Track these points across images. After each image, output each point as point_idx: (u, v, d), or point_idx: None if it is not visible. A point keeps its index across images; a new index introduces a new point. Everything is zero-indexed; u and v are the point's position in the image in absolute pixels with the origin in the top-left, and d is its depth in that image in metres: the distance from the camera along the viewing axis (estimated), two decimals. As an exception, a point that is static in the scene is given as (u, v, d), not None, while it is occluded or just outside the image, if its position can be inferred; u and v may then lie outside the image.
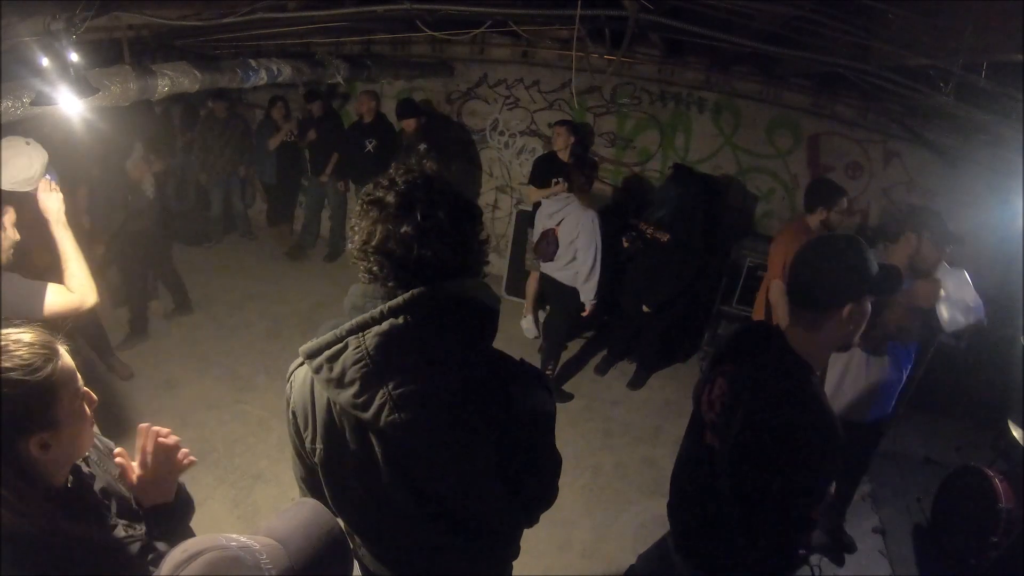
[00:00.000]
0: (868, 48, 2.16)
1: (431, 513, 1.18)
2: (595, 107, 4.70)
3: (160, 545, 1.14)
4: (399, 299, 1.00)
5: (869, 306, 1.37)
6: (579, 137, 4.38)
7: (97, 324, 3.62)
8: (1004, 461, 2.97)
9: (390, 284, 1.03)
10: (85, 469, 1.11)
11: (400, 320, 0.99)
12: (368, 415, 1.02)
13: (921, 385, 3.19)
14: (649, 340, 4.12)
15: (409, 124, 4.63)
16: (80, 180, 3.52)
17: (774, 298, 3.18)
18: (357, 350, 1.00)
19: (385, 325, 0.99)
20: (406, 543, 1.26)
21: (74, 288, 1.87)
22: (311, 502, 0.92)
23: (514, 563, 1.49)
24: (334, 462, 1.16)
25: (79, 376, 1.05)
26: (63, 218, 1.90)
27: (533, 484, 1.26)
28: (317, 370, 1.04)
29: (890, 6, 1.84)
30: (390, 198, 1.00)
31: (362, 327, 1.01)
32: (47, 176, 1.96)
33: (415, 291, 1.00)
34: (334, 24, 3.23)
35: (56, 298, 1.81)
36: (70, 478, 1.06)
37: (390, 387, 1.01)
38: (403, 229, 0.99)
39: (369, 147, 4.91)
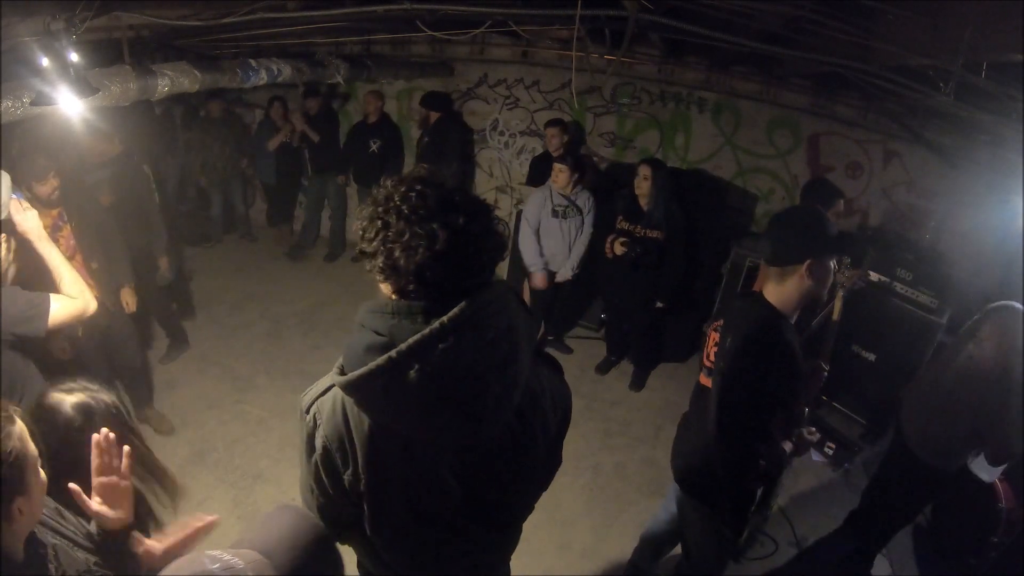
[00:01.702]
0: (868, 48, 2.16)
1: (475, 518, 1.18)
2: (595, 107, 4.70)
3: None
4: (457, 311, 0.92)
5: (831, 265, 1.65)
6: (572, 136, 4.39)
7: (142, 371, 3.40)
8: (1004, 461, 2.96)
9: (435, 295, 0.95)
10: (38, 537, 1.07)
11: (465, 333, 0.93)
12: (437, 436, 0.99)
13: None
14: (646, 339, 4.13)
15: (423, 113, 4.79)
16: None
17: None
18: (419, 371, 0.92)
19: (451, 340, 0.92)
20: (444, 550, 1.25)
21: (75, 294, 1.84)
22: (292, 508, 0.90)
23: (514, 563, 1.50)
24: (379, 488, 1.11)
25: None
26: (44, 233, 1.87)
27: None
28: (369, 397, 0.97)
29: (890, 6, 1.84)
30: (425, 211, 0.93)
31: (426, 344, 0.92)
32: (15, 196, 1.90)
33: (475, 299, 0.94)
34: (334, 24, 3.23)
35: (60, 307, 1.79)
36: (26, 549, 1.02)
37: (460, 401, 0.96)
38: (445, 236, 0.92)
39: (373, 147, 4.93)
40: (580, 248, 3.92)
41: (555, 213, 3.83)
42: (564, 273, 3.96)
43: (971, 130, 3.21)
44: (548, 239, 3.90)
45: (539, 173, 4.22)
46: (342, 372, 0.99)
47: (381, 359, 0.92)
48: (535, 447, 1.14)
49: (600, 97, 4.62)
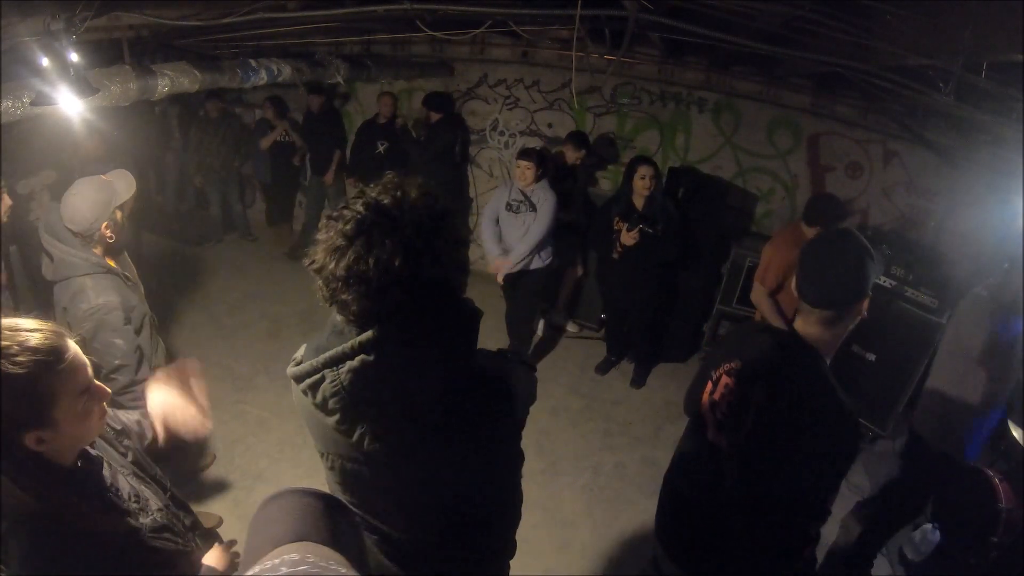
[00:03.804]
0: (868, 48, 2.16)
1: (430, 515, 1.20)
2: (595, 107, 4.70)
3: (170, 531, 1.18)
4: (369, 334, 0.97)
5: None
6: (588, 149, 4.35)
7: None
8: (1004, 461, 2.96)
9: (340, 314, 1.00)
10: (93, 452, 1.13)
11: (371, 356, 0.97)
12: (352, 441, 1.03)
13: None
14: (646, 337, 4.13)
15: (423, 113, 4.77)
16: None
17: (755, 299, 3.22)
18: (333, 384, 0.99)
19: (357, 361, 0.97)
20: (411, 543, 1.27)
21: None
22: (287, 492, 0.87)
23: (514, 563, 1.49)
24: (337, 465, 1.17)
25: (87, 373, 1.04)
26: None
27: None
28: (304, 393, 1.04)
29: (890, 6, 1.84)
30: (342, 225, 0.94)
31: (336, 361, 0.99)
32: None
33: (385, 326, 0.97)
34: (334, 24, 3.23)
35: None
36: (79, 460, 1.08)
37: (368, 418, 1.01)
38: (334, 268, 0.93)
39: (380, 148, 4.93)
40: (529, 241, 3.68)
41: (509, 207, 3.75)
42: (512, 262, 3.78)
43: (971, 130, 3.21)
44: (506, 232, 3.83)
45: None
46: (298, 363, 1.07)
47: (305, 364, 1.02)
48: (475, 458, 1.14)
49: (600, 97, 4.62)
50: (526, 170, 3.62)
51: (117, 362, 2.00)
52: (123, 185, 2.04)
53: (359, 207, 0.95)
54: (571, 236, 4.20)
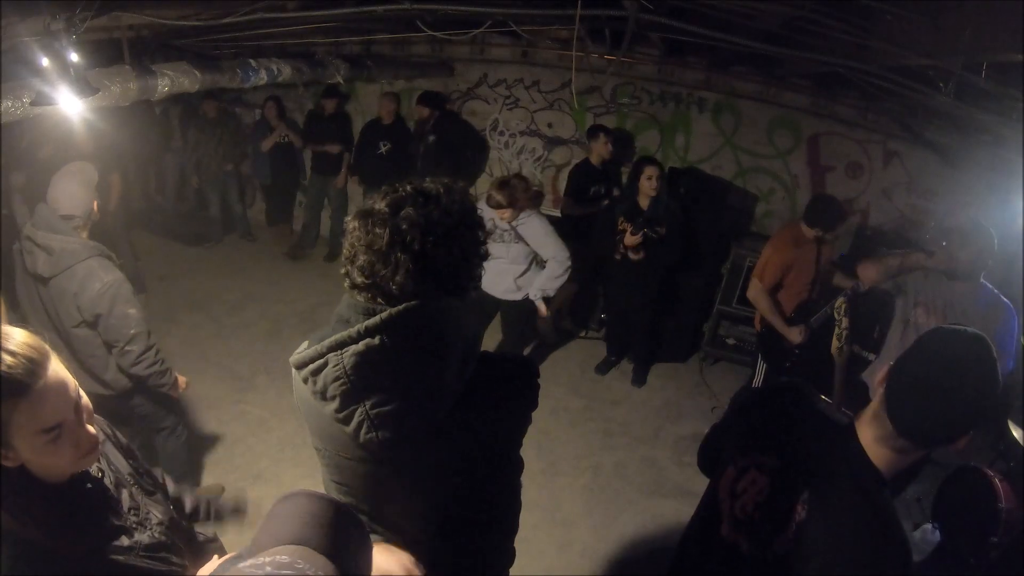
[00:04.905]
0: (868, 48, 2.16)
1: (423, 516, 1.20)
2: (595, 107, 4.70)
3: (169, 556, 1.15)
4: (376, 319, 0.99)
5: None
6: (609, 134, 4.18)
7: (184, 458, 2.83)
8: (1004, 461, 2.97)
9: (368, 296, 1.04)
10: (93, 467, 1.09)
11: (376, 341, 0.98)
12: (349, 430, 1.04)
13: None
14: (646, 337, 4.13)
15: (423, 112, 4.74)
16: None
17: (752, 296, 3.22)
18: (336, 368, 1.00)
19: (361, 345, 0.99)
20: (404, 546, 1.26)
21: None
22: (297, 493, 0.86)
23: (514, 563, 1.49)
24: (333, 462, 1.18)
25: (56, 414, 0.93)
26: None
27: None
28: (305, 381, 1.06)
29: (890, 6, 1.84)
30: (380, 205, 1.02)
31: (341, 345, 1.00)
32: None
33: (392, 311, 0.99)
34: (334, 24, 3.23)
35: None
36: (75, 475, 1.04)
37: (368, 406, 1.01)
38: (376, 247, 1.00)
39: (383, 149, 4.93)
40: (546, 278, 3.31)
41: (490, 234, 3.38)
42: (535, 294, 3.37)
43: (971, 130, 3.22)
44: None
45: (579, 186, 4.06)
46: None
47: (310, 350, 1.04)
48: (471, 459, 1.14)
49: (600, 97, 4.62)
50: (501, 215, 3.19)
51: (132, 331, 2.17)
52: (89, 169, 2.26)
53: (408, 186, 1.04)
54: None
